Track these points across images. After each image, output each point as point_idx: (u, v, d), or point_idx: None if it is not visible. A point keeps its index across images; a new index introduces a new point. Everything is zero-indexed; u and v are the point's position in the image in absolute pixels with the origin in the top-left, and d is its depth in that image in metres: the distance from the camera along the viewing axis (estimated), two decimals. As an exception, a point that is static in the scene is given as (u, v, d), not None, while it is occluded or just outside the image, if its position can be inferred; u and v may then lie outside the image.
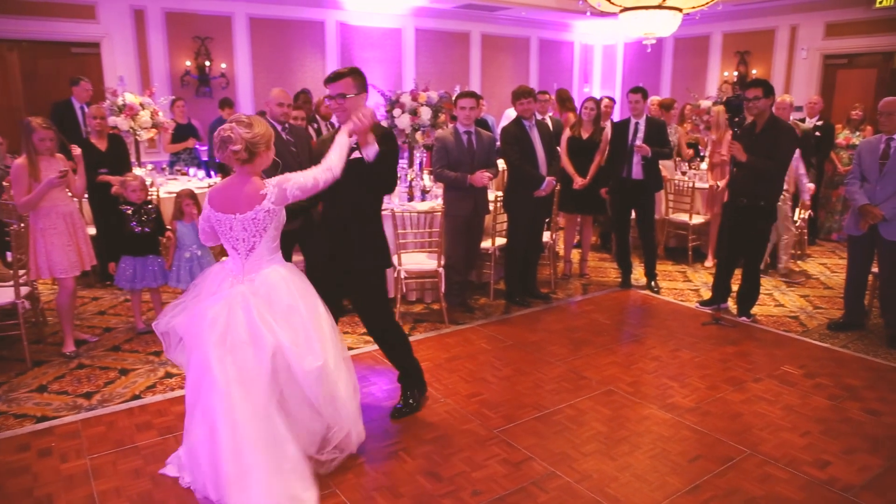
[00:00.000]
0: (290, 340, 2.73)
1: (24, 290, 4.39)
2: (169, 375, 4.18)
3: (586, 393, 3.95)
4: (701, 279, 6.45)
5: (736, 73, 11.08)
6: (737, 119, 7.20)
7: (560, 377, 4.17)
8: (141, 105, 6.71)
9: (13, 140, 6.95)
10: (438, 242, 5.02)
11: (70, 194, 4.56)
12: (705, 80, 11.59)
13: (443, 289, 5.11)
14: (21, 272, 4.32)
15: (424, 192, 5.94)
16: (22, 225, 4.35)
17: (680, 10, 7.09)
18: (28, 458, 3.26)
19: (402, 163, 6.50)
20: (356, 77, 3.21)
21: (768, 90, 4.87)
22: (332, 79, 3.18)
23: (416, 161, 6.17)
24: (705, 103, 8.06)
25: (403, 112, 5.78)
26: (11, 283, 4.32)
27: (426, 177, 6.08)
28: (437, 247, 5.04)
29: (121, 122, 6.51)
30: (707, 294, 5.77)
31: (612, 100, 7.56)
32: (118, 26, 8.68)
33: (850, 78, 10.09)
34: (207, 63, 9.30)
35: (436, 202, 5.70)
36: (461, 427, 3.51)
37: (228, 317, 2.72)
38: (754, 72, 10.82)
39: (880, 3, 9.04)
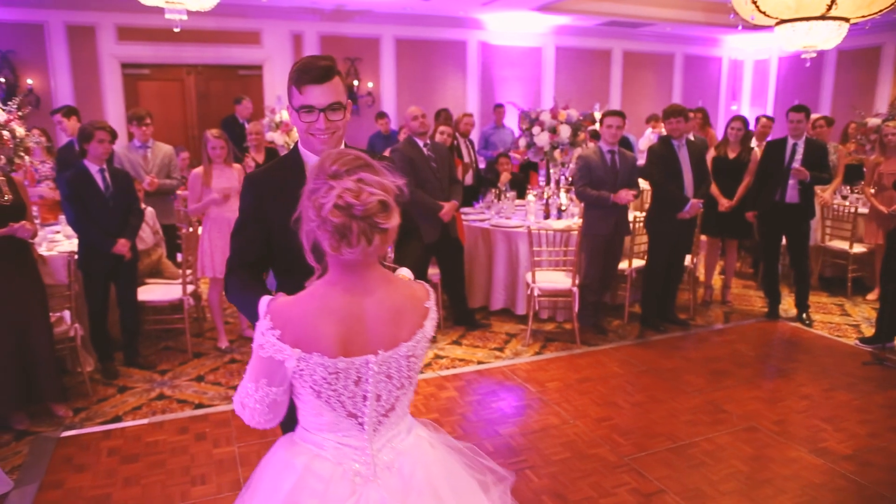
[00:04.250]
0: None
1: (190, 288, 4.86)
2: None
3: (726, 427, 3.72)
4: (862, 314, 5.87)
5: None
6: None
7: (697, 408, 3.96)
8: (296, 122, 7.24)
9: (192, 154, 7.77)
10: (573, 261, 4.96)
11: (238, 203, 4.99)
12: (874, 95, 10.56)
13: (576, 308, 5.04)
14: (188, 272, 4.80)
15: (561, 210, 5.90)
16: (191, 229, 4.84)
17: (847, 20, 6.53)
18: (186, 440, 3.60)
19: (541, 180, 6.51)
20: (341, 76, 1.90)
21: None
22: (321, 77, 1.81)
23: (554, 179, 6.15)
24: (873, 121, 7.35)
25: (543, 130, 5.79)
26: (180, 281, 4.81)
27: (563, 195, 6.04)
28: (571, 265, 4.99)
29: (277, 137, 7.07)
30: (869, 331, 5.23)
31: (769, 119, 7.12)
32: (279, 50, 9.43)
33: None
34: (356, 82, 9.85)
35: (572, 220, 5.64)
36: (590, 451, 3.43)
37: None
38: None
39: None
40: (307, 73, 1.81)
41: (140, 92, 9.03)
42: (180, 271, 4.92)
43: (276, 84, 9.40)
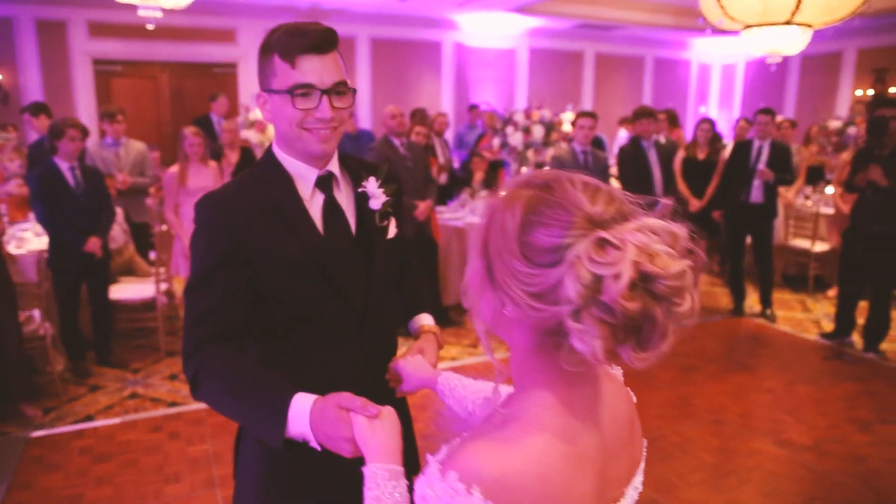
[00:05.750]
0: None
1: (163, 286, 4.84)
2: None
3: (693, 421, 3.83)
4: (823, 310, 6.06)
5: (872, 92, 10.33)
6: (880, 141, 6.72)
7: (666, 402, 4.06)
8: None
9: (164, 152, 7.70)
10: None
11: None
12: (835, 99, 10.88)
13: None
14: (161, 270, 4.78)
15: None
16: (164, 227, 4.82)
17: (810, 25, 6.73)
18: (160, 438, 3.60)
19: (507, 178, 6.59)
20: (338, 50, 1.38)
21: None
22: (323, 43, 1.31)
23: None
24: (834, 124, 7.59)
25: (517, 130, 5.88)
26: (153, 279, 4.78)
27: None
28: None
29: (252, 135, 7.04)
30: (830, 326, 5.42)
31: (748, 122, 7.30)
32: (254, 48, 9.19)
33: None
34: (330, 82, 9.84)
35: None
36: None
37: None
38: (894, 90, 10.04)
39: None
40: (302, 37, 1.28)
41: (112, 89, 8.91)
42: (153, 269, 4.89)
43: (251, 82, 9.35)
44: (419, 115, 7.03)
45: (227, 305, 1.27)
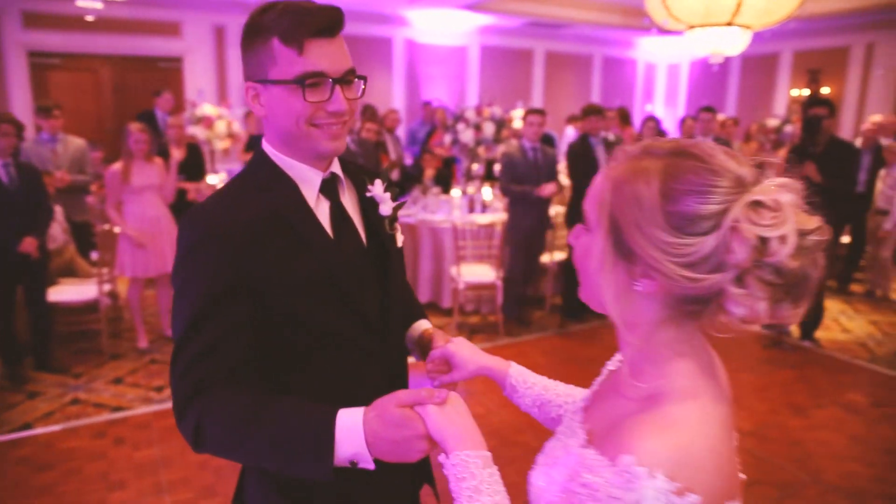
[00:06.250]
0: None
1: (107, 287, 4.68)
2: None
3: (641, 411, 3.93)
4: (765, 302, 6.29)
5: (808, 92, 10.77)
6: (814, 139, 7.02)
7: (615, 394, 4.15)
8: (218, 116, 7.07)
9: (106, 148, 7.44)
10: (497, 255, 5.09)
11: (158, 200, 4.81)
12: (773, 98, 11.30)
13: (500, 301, 5.17)
14: (104, 270, 4.62)
15: (485, 205, 6.03)
16: (107, 226, 4.66)
17: (750, 27, 6.97)
18: (104, 444, 3.49)
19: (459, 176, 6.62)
20: None
21: (832, 109, 4.84)
22: (334, 25, 1.13)
23: (477, 174, 6.27)
24: (772, 122, 7.88)
25: (468, 127, 5.90)
26: (95, 280, 4.62)
27: (486, 190, 6.17)
28: (495, 259, 5.11)
29: (198, 131, 6.88)
30: (770, 317, 5.63)
31: (694, 119, 7.50)
32: (200, 42, 9.16)
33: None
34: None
35: (496, 215, 5.77)
36: (515, 438, 3.55)
37: None
38: (827, 90, 10.48)
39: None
40: (310, 16, 1.09)
41: (49, 82, 8.56)
42: (95, 270, 4.73)
43: (197, 77, 9.13)
44: (369, 112, 6.99)
45: (230, 342, 1.08)
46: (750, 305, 0.75)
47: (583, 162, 5.34)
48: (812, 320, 5.10)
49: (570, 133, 9.34)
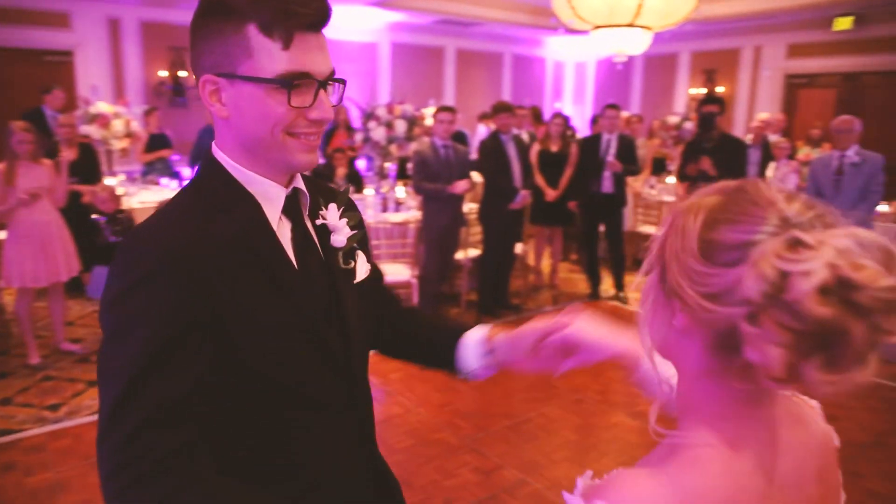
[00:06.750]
0: None
1: (-9, 299, 4.33)
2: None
3: (556, 402, 4.02)
4: (669, 291, 6.59)
5: (705, 90, 11.39)
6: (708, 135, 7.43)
7: (530, 386, 4.23)
8: (114, 114, 6.67)
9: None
10: (412, 253, 5.07)
11: (49, 204, 4.48)
12: (673, 97, 11.88)
13: (416, 299, 5.16)
14: (-12, 282, 4.27)
15: (398, 203, 6.00)
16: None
17: (650, 28, 7.28)
18: (-8, 470, 3.22)
19: (368, 173, 6.56)
20: None
21: (723, 107, 5.16)
22: (323, 17, 1.00)
23: (390, 173, 6.23)
24: (673, 119, 8.27)
25: (379, 125, 5.85)
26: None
27: (399, 188, 6.14)
28: (410, 257, 5.09)
29: (93, 131, 6.47)
30: (675, 305, 5.90)
31: (638, 117, 7.74)
32: (92, 35, 8.61)
33: (811, 97, 10.43)
34: (183, 73, 9.27)
35: (409, 214, 5.75)
36: (433, 436, 3.55)
37: None
38: (721, 89, 11.11)
39: (837, 26, 9.39)
40: (302, 5, 0.94)
41: (-82, 77, 7.83)
42: (-23, 282, 4.36)
43: (90, 73, 8.58)
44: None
45: (191, 396, 0.89)
46: (762, 349, 0.66)
47: (494, 159, 5.41)
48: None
49: (482, 131, 9.45)
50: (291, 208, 1.05)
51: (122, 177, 7.12)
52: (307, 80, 0.95)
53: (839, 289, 0.61)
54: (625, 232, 6.50)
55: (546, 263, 7.08)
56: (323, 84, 0.98)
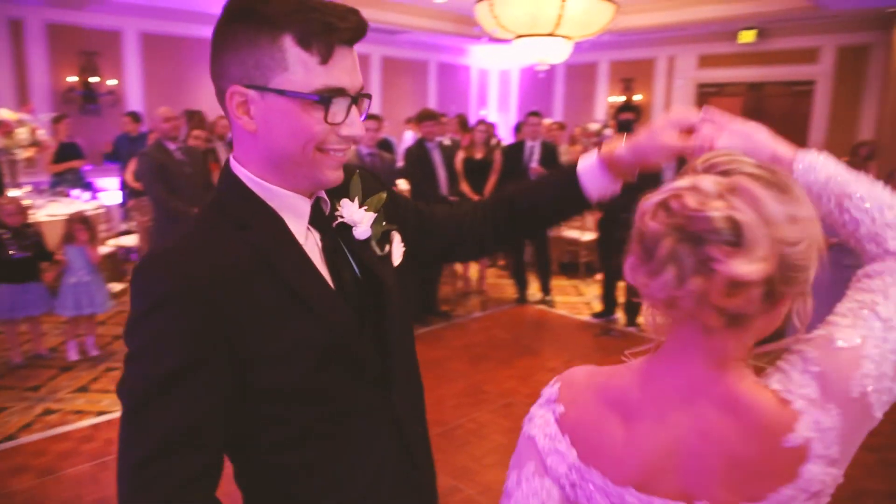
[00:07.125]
0: None
1: None
2: (48, 412, 3.91)
3: (487, 407, 4.06)
4: (593, 293, 6.79)
5: (623, 98, 11.82)
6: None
7: (461, 392, 4.26)
8: (18, 122, 6.30)
9: None
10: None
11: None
12: (593, 104, 12.27)
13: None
14: None
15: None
16: None
17: (570, 38, 7.50)
18: None
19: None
20: None
21: (639, 114, 5.42)
22: (359, 32, 0.93)
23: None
24: (593, 126, 8.54)
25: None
26: None
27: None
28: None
29: (-6, 140, 6.08)
30: (599, 307, 6.08)
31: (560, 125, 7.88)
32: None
33: (720, 105, 10.90)
34: (95, 79, 8.85)
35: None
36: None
37: None
38: (639, 97, 11.57)
39: (742, 39, 9.97)
40: (342, 19, 0.90)
41: None
42: None
43: (-11, 78, 8.08)
44: (197, 118, 6.63)
45: (209, 426, 0.87)
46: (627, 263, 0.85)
47: (420, 165, 5.44)
48: (633, 307, 5.58)
49: (408, 137, 9.48)
50: (320, 219, 1.02)
51: (28, 188, 6.73)
52: (342, 95, 0.92)
53: (664, 208, 0.76)
54: (550, 237, 6.65)
55: (474, 269, 7.15)
56: (355, 99, 0.95)
